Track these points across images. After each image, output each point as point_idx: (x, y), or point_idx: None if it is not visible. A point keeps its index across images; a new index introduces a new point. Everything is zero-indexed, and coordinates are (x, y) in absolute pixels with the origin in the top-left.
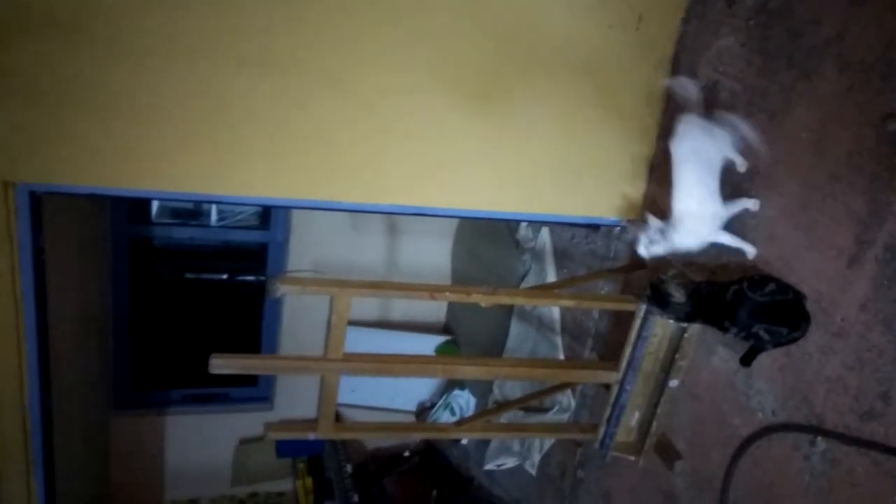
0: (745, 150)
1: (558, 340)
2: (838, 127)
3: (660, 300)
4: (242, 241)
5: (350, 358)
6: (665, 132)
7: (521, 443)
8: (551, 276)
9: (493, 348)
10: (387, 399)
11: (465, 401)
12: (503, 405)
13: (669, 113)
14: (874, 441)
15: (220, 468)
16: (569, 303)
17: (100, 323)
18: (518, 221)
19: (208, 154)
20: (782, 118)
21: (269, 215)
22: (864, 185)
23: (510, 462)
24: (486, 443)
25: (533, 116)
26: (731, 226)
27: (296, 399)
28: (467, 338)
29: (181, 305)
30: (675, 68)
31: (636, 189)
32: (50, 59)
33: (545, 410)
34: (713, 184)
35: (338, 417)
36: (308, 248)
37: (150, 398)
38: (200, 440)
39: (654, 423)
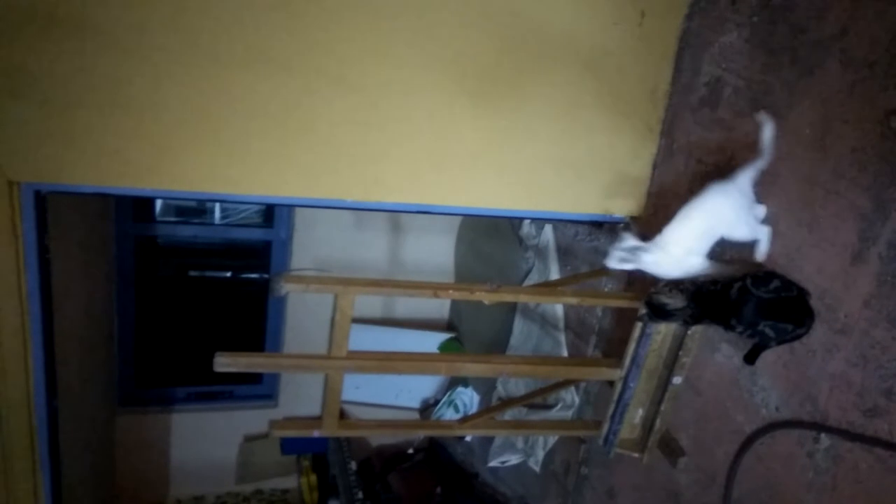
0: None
1: (562, 337)
2: (842, 123)
3: (659, 313)
4: (246, 239)
5: (354, 356)
6: (668, 129)
7: (524, 440)
8: (555, 274)
9: (497, 345)
10: (391, 396)
11: (468, 398)
12: (507, 402)
13: (673, 109)
14: (878, 437)
15: (224, 465)
16: (572, 300)
17: (105, 321)
18: (521, 219)
19: (212, 153)
20: (786, 114)
21: (272, 213)
22: (868, 181)
23: (514, 459)
24: (489, 440)
25: (536, 113)
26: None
27: (300, 397)
28: (471, 335)
29: (185, 303)
30: (679, 65)
31: (640, 186)
32: (54, 58)
33: (549, 407)
34: (708, 243)
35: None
36: (311, 246)
37: (155, 396)
38: (205, 437)
39: (658, 420)
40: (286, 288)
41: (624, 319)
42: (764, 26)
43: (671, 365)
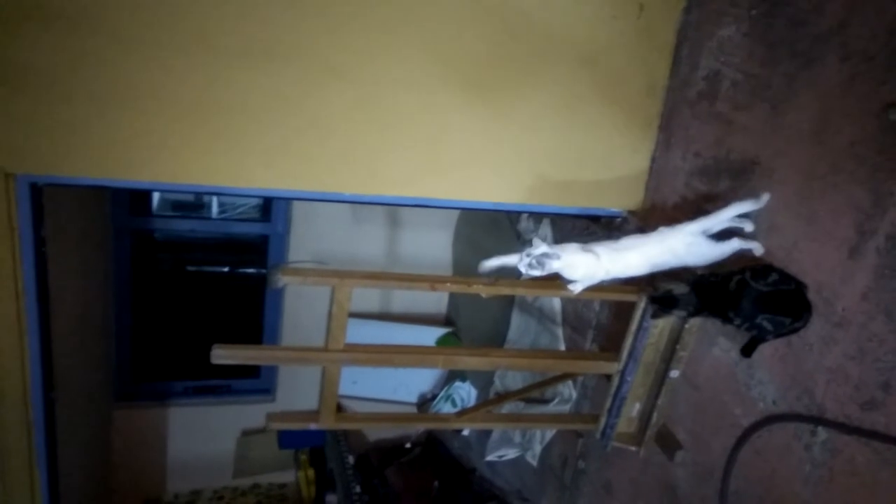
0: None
1: (559, 331)
2: (840, 117)
3: (666, 303)
4: (243, 233)
5: (351, 348)
6: (666, 123)
7: (522, 434)
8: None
9: (495, 340)
10: (388, 391)
11: (466, 392)
12: (504, 396)
13: (671, 103)
14: (875, 431)
15: (222, 459)
16: (569, 294)
17: (102, 315)
18: (519, 213)
19: (209, 145)
20: (784, 108)
21: (269, 207)
22: (866, 174)
23: (511, 453)
24: (487, 434)
25: (534, 107)
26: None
27: (298, 391)
28: (468, 329)
29: (183, 298)
30: (677, 59)
31: (637, 180)
32: (51, 51)
33: (546, 401)
34: (646, 271)
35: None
36: (309, 240)
37: (152, 390)
38: (203, 432)
39: (655, 414)
40: (284, 280)
41: (621, 313)
42: (762, 20)
43: (668, 359)
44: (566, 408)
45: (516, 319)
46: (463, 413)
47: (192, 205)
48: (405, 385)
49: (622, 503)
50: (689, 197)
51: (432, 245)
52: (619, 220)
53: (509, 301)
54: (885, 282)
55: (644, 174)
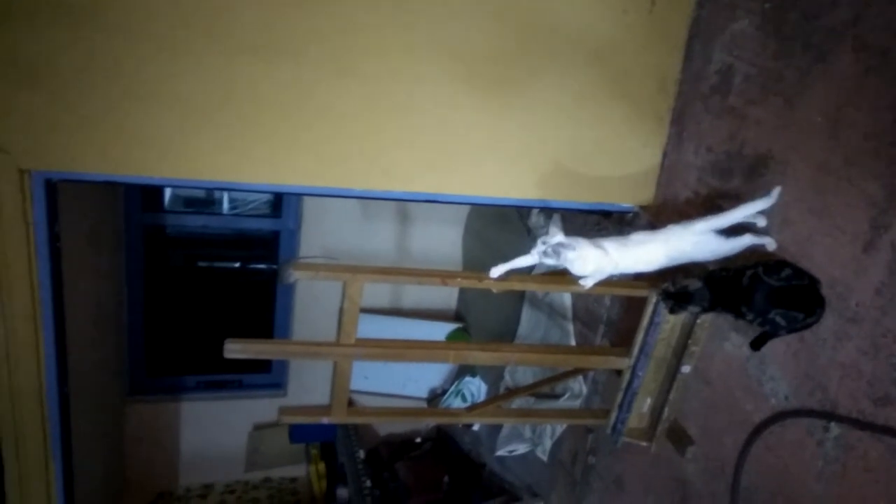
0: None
1: (570, 327)
2: (854, 110)
3: (681, 298)
4: (254, 229)
5: (362, 343)
6: (679, 117)
7: (532, 429)
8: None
9: (505, 335)
10: (398, 386)
11: (476, 387)
12: (514, 391)
13: (683, 98)
14: (888, 426)
15: (234, 453)
16: (580, 289)
17: (115, 310)
18: (529, 208)
19: (221, 141)
20: (798, 102)
21: (280, 203)
22: (880, 168)
23: (521, 448)
24: (497, 429)
25: (545, 103)
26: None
27: (309, 386)
28: (478, 325)
29: (195, 293)
30: (689, 53)
31: (649, 175)
32: (64, 48)
33: (557, 396)
34: (654, 267)
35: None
36: (319, 235)
37: (164, 384)
38: (215, 426)
39: (667, 409)
40: (296, 275)
41: (632, 308)
42: (776, 13)
43: (680, 354)
44: (576, 403)
45: (526, 315)
46: (473, 408)
47: (204, 201)
48: (415, 380)
49: (633, 499)
50: (701, 192)
51: (442, 240)
52: (630, 215)
53: (520, 296)
54: None
55: (655, 169)
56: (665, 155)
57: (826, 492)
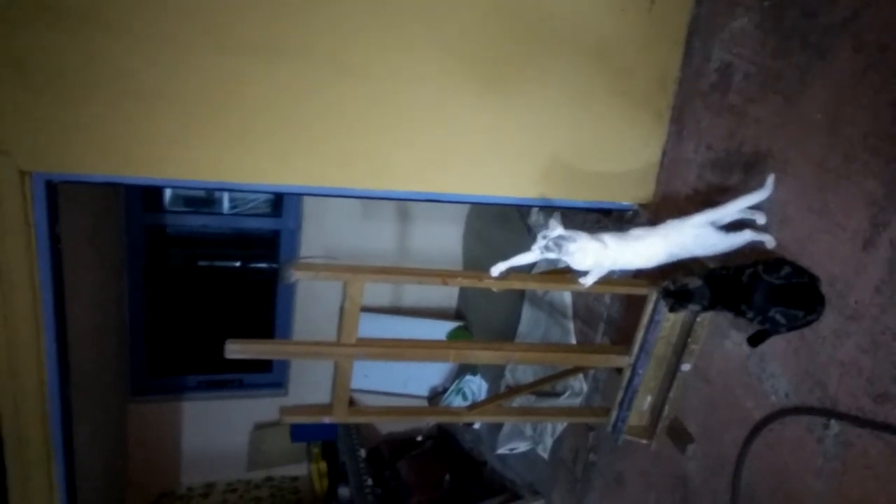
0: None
1: (570, 325)
2: (854, 108)
3: (682, 296)
4: (255, 228)
5: (363, 343)
6: (678, 115)
7: (533, 427)
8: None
9: (505, 334)
10: (399, 385)
11: (476, 386)
12: (515, 389)
13: (682, 95)
14: (888, 423)
15: (235, 453)
16: (580, 287)
17: (116, 311)
18: (529, 207)
19: (221, 142)
20: (797, 100)
21: (281, 203)
22: (880, 166)
23: (522, 446)
24: (498, 427)
25: (545, 101)
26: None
27: (310, 385)
28: (479, 323)
29: (195, 293)
30: (689, 51)
31: (649, 173)
32: (63, 49)
33: (557, 395)
34: (653, 263)
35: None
36: (320, 235)
37: (166, 384)
38: (216, 425)
39: (667, 407)
40: (296, 275)
41: (632, 307)
42: (775, 11)
43: (680, 352)
44: (577, 401)
45: (527, 313)
46: (474, 407)
47: (204, 200)
48: (416, 379)
49: (634, 496)
50: (700, 190)
51: (443, 239)
52: (630, 213)
53: (520, 295)
54: None
55: (655, 167)
56: (665, 153)
57: (826, 489)
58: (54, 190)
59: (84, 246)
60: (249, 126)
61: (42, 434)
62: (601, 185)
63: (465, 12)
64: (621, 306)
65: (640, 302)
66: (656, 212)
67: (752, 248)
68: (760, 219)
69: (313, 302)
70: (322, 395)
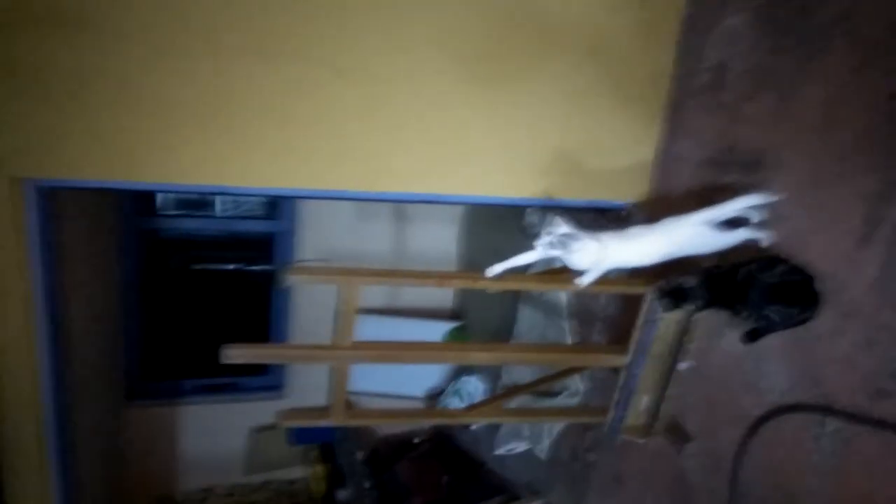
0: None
1: (567, 325)
2: (848, 105)
3: (678, 295)
4: (250, 231)
5: (360, 346)
6: (672, 114)
7: (530, 427)
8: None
9: (502, 334)
10: (396, 386)
11: (474, 387)
12: (512, 390)
13: (676, 94)
14: (885, 420)
15: (233, 457)
16: (576, 288)
17: (111, 315)
18: (525, 207)
19: (215, 146)
20: (791, 97)
21: (276, 205)
22: (874, 163)
23: (520, 447)
24: (496, 428)
25: (538, 101)
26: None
27: (307, 387)
28: (476, 324)
29: (191, 296)
30: (682, 49)
31: (643, 172)
32: (55, 54)
33: (554, 395)
34: (651, 261)
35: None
36: (315, 237)
37: (162, 389)
38: (213, 429)
39: (664, 406)
40: (291, 280)
41: (629, 306)
42: (767, 9)
43: (677, 351)
44: (574, 401)
45: (524, 313)
46: (472, 408)
47: (198, 203)
48: (413, 379)
49: (632, 495)
50: (695, 188)
51: (439, 240)
52: (625, 212)
53: (516, 295)
54: (893, 271)
55: (649, 166)
56: (659, 151)
57: (823, 486)
58: (46, 196)
59: (78, 251)
60: (244, 129)
61: (38, 441)
62: (595, 185)
63: (458, 13)
64: (618, 306)
65: (636, 301)
66: (651, 210)
67: (747, 247)
68: (756, 217)
69: (310, 304)
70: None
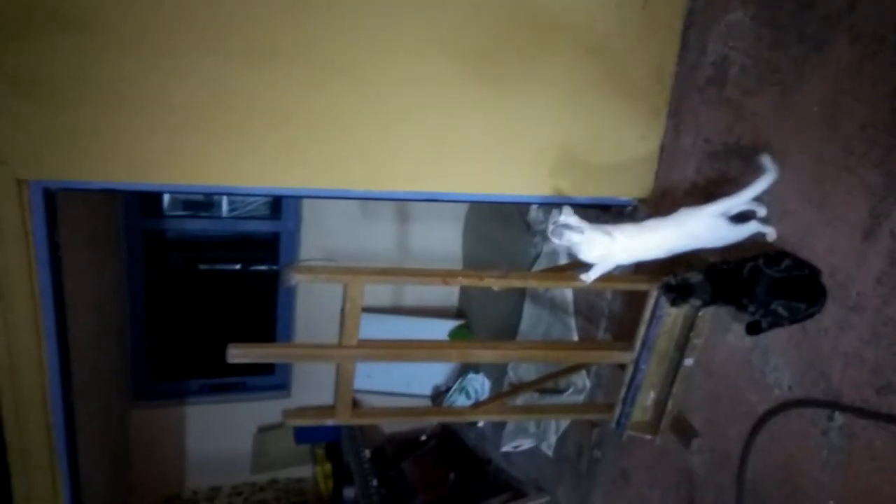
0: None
1: (572, 322)
2: (851, 99)
3: (683, 291)
4: (254, 231)
5: (365, 344)
6: (675, 109)
7: (536, 424)
8: (563, 258)
9: (507, 331)
10: (402, 384)
11: (479, 384)
12: (518, 387)
13: (679, 90)
14: (892, 415)
15: (239, 456)
16: (581, 285)
17: (117, 316)
18: (529, 204)
19: (219, 146)
20: (794, 92)
21: (280, 205)
22: (879, 157)
23: (526, 443)
24: (502, 425)
25: (542, 98)
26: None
27: (313, 386)
28: (480, 321)
29: (196, 296)
30: (685, 44)
31: (647, 168)
32: (59, 57)
33: (560, 392)
34: (663, 255)
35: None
36: (319, 236)
37: (168, 389)
38: (220, 429)
39: (670, 402)
40: (296, 279)
41: (634, 302)
42: (770, 3)
43: (682, 347)
44: (580, 398)
45: (528, 310)
46: (478, 406)
47: (203, 204)
48: (419, 378)
49: (639, 492)
50: (699, 184)
51: (442, 238)
52: (629, 208)
53: (521, 292)
54: None
55: (653, 162)
56: (662, 147)
57: (831, 481)
58: (52, 198)
59: (83, 252)
60: (246, 129)
61: (45, 441)
62: (599, 181)
63: (459, 10)
64: (623, 302)
65: (641, 298)
66: (655, 206)
67: (753, 242)
68: (761, 211)
69: (314, 303)
70: (325, 396)
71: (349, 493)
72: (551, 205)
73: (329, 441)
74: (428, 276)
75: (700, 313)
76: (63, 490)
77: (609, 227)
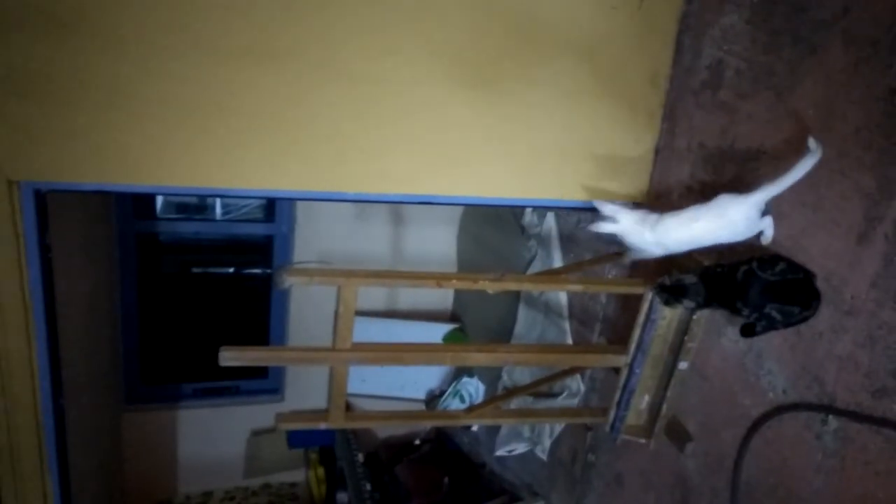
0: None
1: (566, 325)
2: (846, 102)
3: (677, 291)
4: (248, 234)
5: (359, 347)
6: (670, 113)
7: (531, 428)
8: (558, 261)
9: (501, 335)
10: (396, 388)
11: (474, 388)
12: (512, 391)
13: (674, 93)
14: (887, 418)
15: (232, 460)
16: (576, 287)
17: (109, 319)
18: (523, 207)
19: (212, 148)
20: (789, 95)
21: (273, 208)
22: (873, 160)
23: (521, 448)
24: (496, 429)
25: (536, 102)
26: None
27: (306, 390)
28: (475, 325)
29: (189, 300)
30: (679, 48)
31: (641, 172)
32: (52, 57)
33: (555, 395)
34: (697, 245)
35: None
36: (313, 239)
37: (161, 393)
38: (212, 433)
39: (665, 406)
40: (289, 281)
41: (628, 306)
42: (764, 7)
43: (677, 350)
44: (574, 401)
45: (523, 314)
46: (472, 409)
47: (196, 207)
48: (413, 381)
49: (633, 495)
50: (694, 187)
51: (437, 241)
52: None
53: (516, 295)
54: (893, 268)
55: (648, 165)
56: (657, 151)
57: (825, 485)
58: (43, 199)
59: (75, 255)
60: (240, 132)
61: (36, 445)
62: (594, 184)
63: (454, 14)
64: (617, 306)
65: (635, 301)
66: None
67: (747, 245)
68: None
69: (308, 307)
70: (319, 400)
71: (343, 497)
72: (546, 208)
73: (322, 445)
74: (422, 279)
75: (694, 317)
76: (53, 494)
77: (646, 215)
